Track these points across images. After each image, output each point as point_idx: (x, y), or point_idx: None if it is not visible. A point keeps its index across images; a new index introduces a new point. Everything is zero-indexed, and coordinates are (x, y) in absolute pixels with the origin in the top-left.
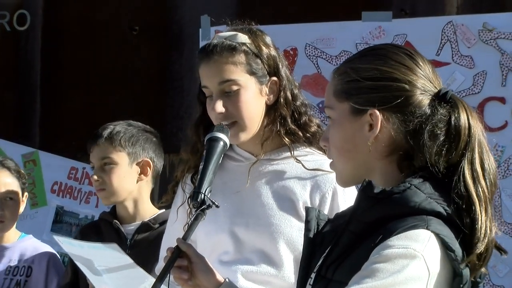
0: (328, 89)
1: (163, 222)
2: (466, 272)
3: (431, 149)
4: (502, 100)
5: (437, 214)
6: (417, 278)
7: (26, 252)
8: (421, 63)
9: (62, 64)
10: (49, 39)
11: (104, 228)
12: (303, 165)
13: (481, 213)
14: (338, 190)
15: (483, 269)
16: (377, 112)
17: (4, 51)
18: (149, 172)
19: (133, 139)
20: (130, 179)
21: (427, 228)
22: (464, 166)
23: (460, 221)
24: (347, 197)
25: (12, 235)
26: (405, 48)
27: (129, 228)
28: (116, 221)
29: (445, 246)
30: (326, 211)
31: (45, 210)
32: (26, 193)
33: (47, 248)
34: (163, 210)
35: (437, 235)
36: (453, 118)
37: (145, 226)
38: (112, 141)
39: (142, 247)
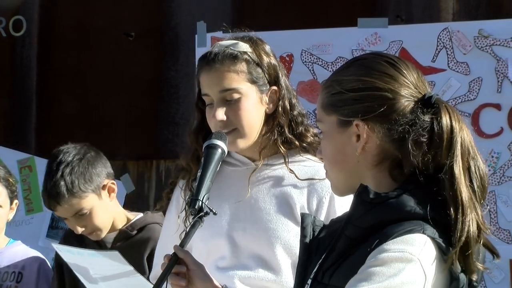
0: (317, 103)
1: (141, 229)
2: (462, 276)
3: (417, 157)
4: (497, 106)
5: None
6: (414, 282)
7: (15, 258)
8: (404, 71)
9: (58, 70)
10: (45, 45)
11: (86, 237)
12: (295, 175)
13: (469, 214)
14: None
15: (480, 267)
16: (361, 123)
17: (0, 56)
18: (115, 188)
19: (87, 176)
20: (107, 209)
21: (423, 233)
22: (452, 169)
23: (444, 221)
24: (344, 203)
25: (1, 241)
26: (389, 56)
27: (108, 237)
28: None
29: (441, 251)
30: (323, 216)
31: (41, 216)
32: (16, 201)
33: (36, 253)
34: (139, 216)
35: (433, 240)
36: (435, 124)
37: (123, 234)
38: (74, 194)
39: (125, 254)
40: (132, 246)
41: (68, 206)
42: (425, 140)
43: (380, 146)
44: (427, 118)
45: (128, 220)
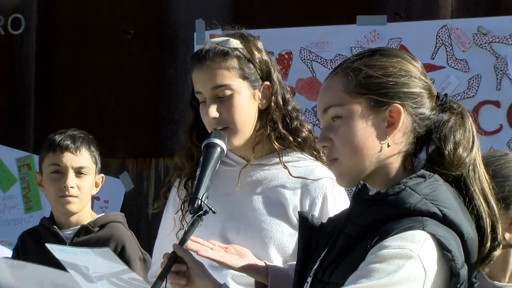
0: (331, 87)
1: (103, 226)
2: (463, 272)
3: (458, 142)
4: (496, 103)
5: (433, 215)
6: (414, 279)
7: None
8: (420, 64)
9: (56, 68)
10: (43, 43)
11: (43, 233)
12: (289, 171)
13: (499, 213)
14: (329, 196)
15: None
16: (400, 107)
17: None
18: (100, 186)
19: (98, 152)
20: (90, 189)
21: (423, 229)
22: (479, 167)
23: (478, 222)
24: (337, 203)
25: None
26: (403, 51)
27: (68, 232)
28: (55, 226)
29: (441, 247)
30: None
31: (40, 214)
32: None
33: (7, 253)
34: (102, 214)
35: (433, 236)
36: (466, 119)
37: (84, 230)
38: (90, 150)
39: None
40: (92, 242)
41: (81, 156)
42: (461, 131)
43: (407, 133)
44: (454, 111)
45: (92, 218)
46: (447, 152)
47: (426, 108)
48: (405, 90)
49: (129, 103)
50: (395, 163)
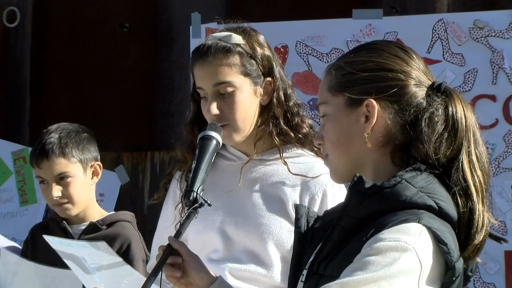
0: (321, 86)
1: (111, 224)
2: (458, 265)
3: (431, 138)
4: (492, 98)
5: (428, 208)
6: (409, 271)
7: None
8: (414, 56)
9: (51, 61)
10: (39, 37)
11: (53, 227)
12: (288, 168)
13: (478, 204)
14: (328, 192)
15: (478, 259)
16: (374, 102)
17: None
18: (100, 173)
19: (80, 146)
20: (86, 187)
21: (418, 222)
22: (462, 157)
23: (458, 212)
24: (337, 200)
25: None
26: (398, 43)
27: (77, 228)
28: (64, 221)
29: (437, 239)
30: None
31: (35, 207)
32: None
33: (11, 243)
34: (112, 212)
35: (429, 229)
36: (450, 108)
37: (92, 227)
38: (64, 154)
39: None
40: (100, 239)
41: (55, 164)
42: (439, 121)
43: (387, 128)
44: (440, 101)
45: (101, 216)
46: (420, 146)
47: (411, 98)
48: (381, 84)
49: (125, 96)
50: (382, 158)
